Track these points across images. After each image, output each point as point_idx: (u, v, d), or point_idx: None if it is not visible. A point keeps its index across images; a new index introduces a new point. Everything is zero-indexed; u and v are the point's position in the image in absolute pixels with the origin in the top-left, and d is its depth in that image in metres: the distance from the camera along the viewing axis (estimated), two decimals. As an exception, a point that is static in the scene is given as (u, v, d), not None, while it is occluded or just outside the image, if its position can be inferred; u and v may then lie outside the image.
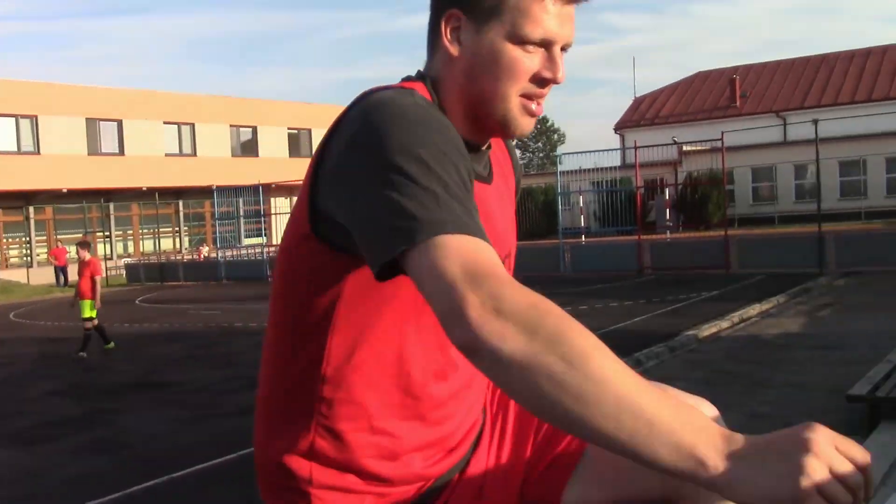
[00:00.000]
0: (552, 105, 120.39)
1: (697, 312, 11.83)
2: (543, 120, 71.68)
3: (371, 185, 1.09)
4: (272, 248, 29.38)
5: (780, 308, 12.44)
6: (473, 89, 1.28)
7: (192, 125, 37.87)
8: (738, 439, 0.90)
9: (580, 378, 0.91)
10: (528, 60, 1.25)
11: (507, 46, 1.24)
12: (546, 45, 1.25)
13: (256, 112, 40.16)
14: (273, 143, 40.84)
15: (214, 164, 37.36)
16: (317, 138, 44.01)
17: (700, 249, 19.35)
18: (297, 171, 34.98)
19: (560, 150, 57.87)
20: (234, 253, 28.77)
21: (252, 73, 79.10)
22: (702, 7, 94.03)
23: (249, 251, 28.96)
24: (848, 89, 39.15)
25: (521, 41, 1.23)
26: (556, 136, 71.52)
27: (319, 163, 1.22)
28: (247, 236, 30.95)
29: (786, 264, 16.73)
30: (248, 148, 40.49)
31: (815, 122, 18.47)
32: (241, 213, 28.84)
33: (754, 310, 11.99)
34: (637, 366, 8.23)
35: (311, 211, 1.22)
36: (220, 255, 28.24)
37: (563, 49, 1.27)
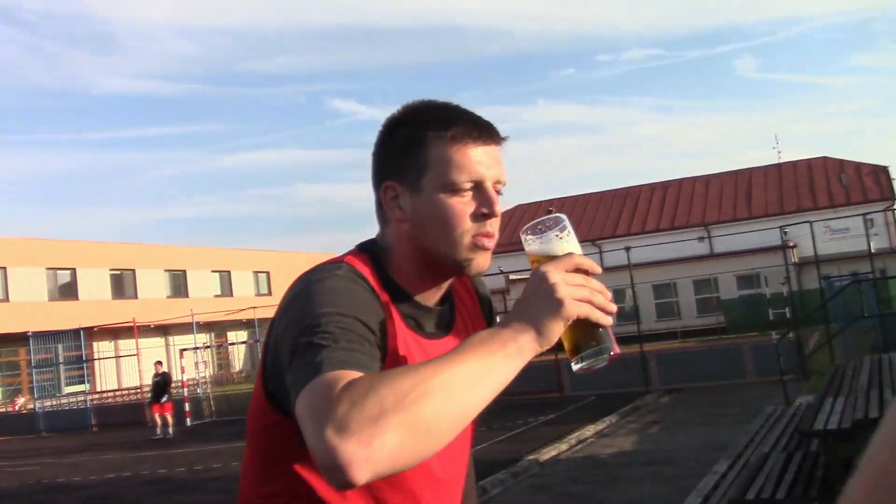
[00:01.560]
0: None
1: (537, 436, 12.15)
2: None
3: (289, 354, 1.20)
4: (96, 396, 27.75)
5: (613, 427, 12.96)
6: (423, 245, 1.39)
7: (4, 269, 35.87)
8: (508, 320, 1.12)
9: (435, 397, 1.00)
10: (464, 204, 1.36)
11: (442, 197, 1.36)
12: (477, 186, 1.37)
13: (75, 253, 38.53)
14: (94, 285, 39.13)
15: (29, 309, 35.28)
16: (142, 278, 43.00)
17: (533, 374, 19.84)
18: (121, 313, 33.62)
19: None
20: (54, 402, 26.90)
21: (69, 214, 76.20)
22: (512, 146, 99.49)
23: (71, 400, 27.13)
24: (653, 218, 42.32)
25: (453, 189, 1.36)
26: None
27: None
28: (68, 384, 29.15)
29: (614, 384, 17.50)
30: (67, 291, 38.62)
31: (628, 248, 19.84)
32: (61, 359, 27.24)
33: (589, 431, 12.44)
34: (483, 494, 8.34)
35: (265, 391, 1.37)
36: (37, 405, 26.20)
37: (497, 186, 1.39)
